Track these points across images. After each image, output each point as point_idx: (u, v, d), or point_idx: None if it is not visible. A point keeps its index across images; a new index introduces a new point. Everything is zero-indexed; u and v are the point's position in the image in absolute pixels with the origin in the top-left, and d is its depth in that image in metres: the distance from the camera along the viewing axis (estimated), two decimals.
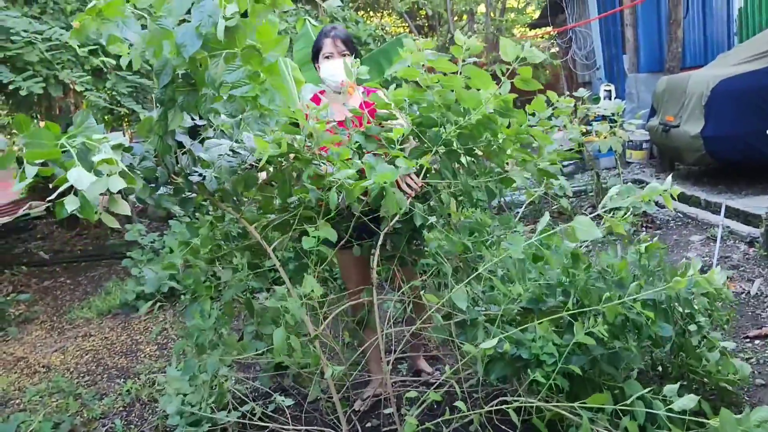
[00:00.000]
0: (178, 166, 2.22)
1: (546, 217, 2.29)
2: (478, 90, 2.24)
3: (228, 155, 2.27)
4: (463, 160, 2.51)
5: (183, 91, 1.96)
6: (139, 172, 2.09)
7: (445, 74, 2.25)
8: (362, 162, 2.27)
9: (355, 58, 2.84)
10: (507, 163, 2.63)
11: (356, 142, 2.43)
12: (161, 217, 8.86)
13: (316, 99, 2.84)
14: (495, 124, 2.32)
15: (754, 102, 5.98)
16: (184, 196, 2.25)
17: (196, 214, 2.63)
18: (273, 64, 1.86)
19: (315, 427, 2.57)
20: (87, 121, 1.75)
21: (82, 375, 4.04)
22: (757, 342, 3.29)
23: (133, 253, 5.84)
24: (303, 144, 2.23)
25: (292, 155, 2.25)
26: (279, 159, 2.26)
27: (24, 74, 5.21)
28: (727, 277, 4.22)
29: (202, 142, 2.35)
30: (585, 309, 2.25)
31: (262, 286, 2.58)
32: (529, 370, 2.21)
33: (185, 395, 2.73)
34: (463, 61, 2.19)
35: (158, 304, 5.11)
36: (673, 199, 2.37)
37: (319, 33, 2.90)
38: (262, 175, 2.39)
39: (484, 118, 2.27)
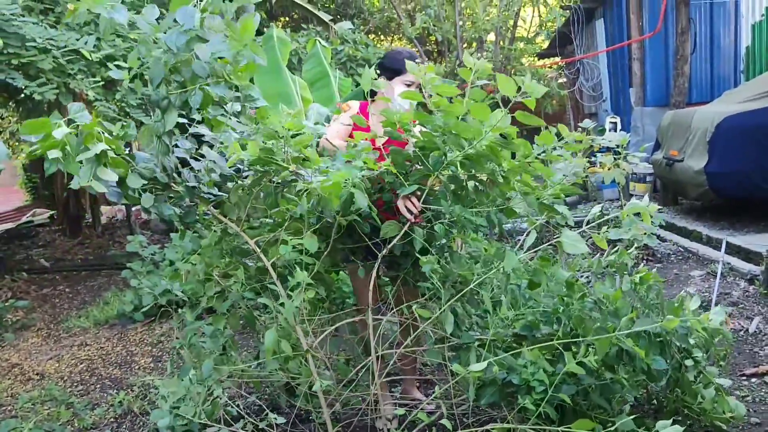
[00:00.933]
0: (177, 171, 2.25)
1: (533, 234, 2.30)
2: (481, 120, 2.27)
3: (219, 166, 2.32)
4: (468, 185, 2.53)
5: (174, 92, 2.06)
6: (139, 171, 2.13)
7: (450, 100, 2.27)
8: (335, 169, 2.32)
9: None
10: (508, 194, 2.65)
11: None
12: (163, 230, 8.90)
13: (364, 109, 3.00)
14: (496, 155, 2.34)
15: (759, 140, 6.00)
16: (185, 205, 2.28)
17: (198, 226, 2.66)
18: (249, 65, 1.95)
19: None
20: (80, 113, 1.88)
21: (75, 384, 4.03)
22: (753, 380, 3.27)
23: (133, 264, 5.85)
24: (282, 153, 2.27)
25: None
26: (263, 168, 2.31)
27: (37, 81, 5.27)
28: (727, 314, 4.21)
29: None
30: (577, 339, 2.25)
31: (267, 302, 2.59)
32: (519, 397, 2.20)
33: (177, 407, 2.72)
34: (472, 84, 2.21)
35: (155, 316, 5.12)
36: (668, 230, 2.39)
37: (403, 55, 2.88)
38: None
39: (486, 148, 2.29)
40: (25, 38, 5.16)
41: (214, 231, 2.51)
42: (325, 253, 2.45)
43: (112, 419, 3.44)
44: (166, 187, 2.22)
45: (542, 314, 2.51)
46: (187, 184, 2.25)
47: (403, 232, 2.44)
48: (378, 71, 2.94)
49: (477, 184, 2.53)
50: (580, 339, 2.23)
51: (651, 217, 2.44)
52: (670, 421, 2.00)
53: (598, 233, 2.50)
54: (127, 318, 5.27)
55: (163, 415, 2.76)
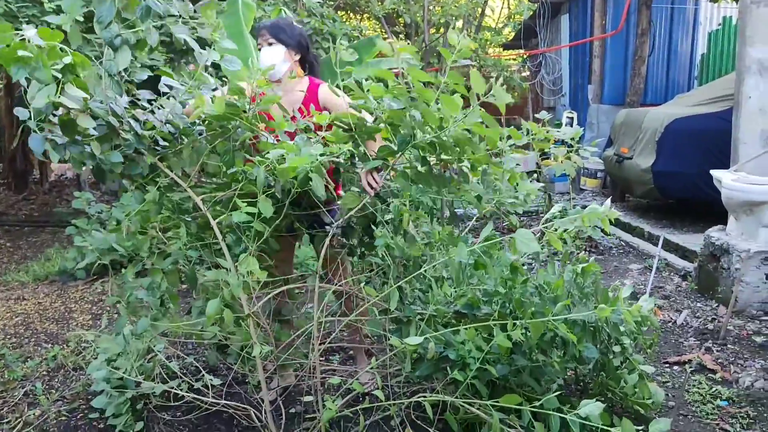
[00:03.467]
0: (127, 118, 2.20)
1: (490, 225, 2.35)
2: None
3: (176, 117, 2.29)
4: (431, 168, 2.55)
5: (127, 30, 2.02)
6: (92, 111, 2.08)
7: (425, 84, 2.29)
8: (293, 143, 2.32)
9: (293, 45, 2.87)
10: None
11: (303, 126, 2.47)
12: (114, 190, 8.70)
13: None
14: (461, 146, 2.38)
15: (704, 143, 6.22)
16: (130, 154, 2.23)
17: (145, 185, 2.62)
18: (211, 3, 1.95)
19: (238, 404, 2.57)
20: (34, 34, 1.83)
21: (8, 337, 3.94)
22: (675, 368, 3.44)
23: (78, 221, 5.71)
24: (246, 108, 2.26)
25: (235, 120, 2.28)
26: (223, 124, 2.30)
27: None
28: (657, 306, 4.39)
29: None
30: (513, 320, 2.32)
31: (206, 259, 2.57)
32: (452, 371, 2.26)
33: (114, 361, 2.71)
34: (452, 64, 2.21)
35: (98, 275, 5.03)
36: (612, 224, 2.47)
37: (258, 24, 2.93)
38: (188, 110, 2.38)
39: (452, 138, 2.32)
40: None
41: (158, 186, 2.47)
42: (278, 220, 2.45)
43: (44, 372, 3.39)
44: (114, 132, 2.16)
45: (484, 294, 2.58)
46: (136, 131, 2.20)
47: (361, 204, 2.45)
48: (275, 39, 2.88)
49: (440, 168, 2.56)
50: (516, 321, 2.30)
51: (611, 223, 2.49)
52: (594, 400, 2.09)
53: (548, 227, 2.56)
54: (68, 275, 5.17)
55: (100, 367, 2.75)
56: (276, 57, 2.77)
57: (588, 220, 2.45)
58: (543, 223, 2.49)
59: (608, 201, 2.53)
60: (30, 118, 1.98)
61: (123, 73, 2.23)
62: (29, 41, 1.81)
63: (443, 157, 2.48)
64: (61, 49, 1.90)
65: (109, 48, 2.14)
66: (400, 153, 2.42)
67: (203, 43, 2.45)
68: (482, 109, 2.23)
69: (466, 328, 2.30)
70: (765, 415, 2.93)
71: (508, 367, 2.38)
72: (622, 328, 2.65)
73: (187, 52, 2.48)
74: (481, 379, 2.32)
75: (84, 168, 2.22)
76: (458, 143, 2.34)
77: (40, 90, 1.87)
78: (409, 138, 2.36)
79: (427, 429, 2.45)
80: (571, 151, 6.44)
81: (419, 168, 2.48)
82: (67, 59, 1.90)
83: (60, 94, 1.91)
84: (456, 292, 2.57)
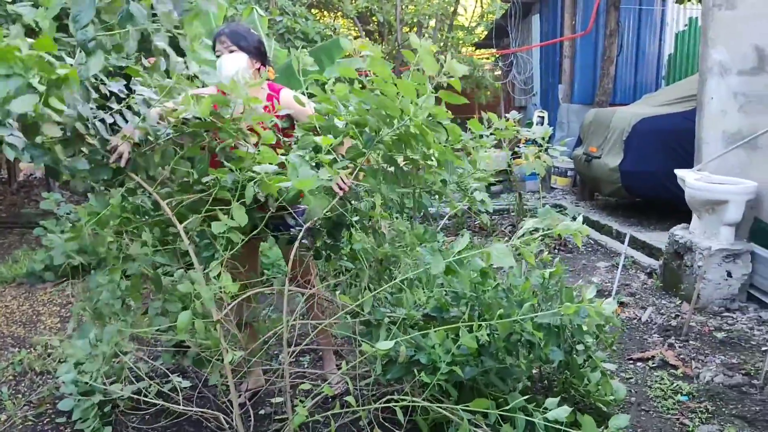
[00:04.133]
0: (94, 123, 2.18)
1: (466, 237, 2.38)
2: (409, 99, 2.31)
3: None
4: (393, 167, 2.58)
5: (104, 33, 1.98)
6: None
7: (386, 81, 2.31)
8: (286, 160, 2.32)
9: (254, 53, 2.86)
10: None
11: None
12: (83, 191, 8.59)
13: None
14: (425, 136, 2.39)
15: (670, 143, 6.35)
16: (97, 160, 2.21)
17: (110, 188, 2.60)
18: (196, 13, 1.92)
19: (207, 410, 2.58)
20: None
21: None
22: (639, 364, 3.52)
23: (46, 222, 5.64)
24: (229, 116, 2.26)
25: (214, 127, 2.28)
26: (200, 131, 2.29)
27: None
28: (621, 303, 4.48)
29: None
30: (480, 322, 2.36)
31: (170, 263, 2.57)
32: (422, 374, 2.29)
33: (81, 364, 2.69)
34: (415, 66, 2.23)
35: (67, 277, 4.98)
36: (585, 222, 2.52)
37: (217, 31, 2.88)
38: (155, 112, 2.37)
39: (415, 127, 2.35)
40: None
41: (124, 189, 2.46)
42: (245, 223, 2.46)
43: (10, 377, 3.36)
44: (80, 138, 2.14)
45: (453, 297, 2.62)
46: (102, 136, 2.18)
47: (330, 206, 2.47)
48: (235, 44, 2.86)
49: (407, 165, 2.59)
50: (484, 322, 2.34)
51: (586, 236, 2.52)
52: (558, 399, 2.15)
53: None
54: (36, 277, 5.09)
55: (69, 371, 2.73)
56: (239, 64, 2.76)
57: (561, 233, 2.50)
58: (518, 237, 2.53)
59: (581, 217, 2.58)
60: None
61: (93, 79, 2.20)
62: (20, 50, 1.76)
63: (410, 154, 2.51)
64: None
65: (82, 50, 2.09)
66: (368, 152, 2.44)
67: (179, 49, 2.43)
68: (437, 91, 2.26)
69: (435, 331, 2.34)
70: (723, 409, 3.02)
71: (477, 369, 2.42)
72: (585, 328, 2.71)
73: (161, 54, 2.46)
74: (450, 381, 2.36)
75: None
76: (422, 133, 2.36)
77: (21, 95, 1.80)
78: (374, 135, 2.38)
79: (396, 431, 2.49)
80: (541, 150, 6.56)
81: (387, 167, 2.51)
82: (62, 71, 1.84)
83: (45, 104, 1.86)
84: (426, 295, 2.60)
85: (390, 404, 2.31)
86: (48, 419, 2.92)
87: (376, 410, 2.54)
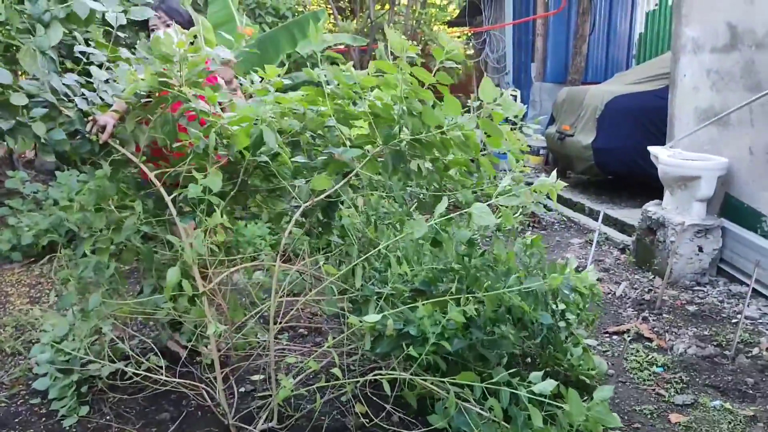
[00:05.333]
0: (66, 93, 2.14)
1: (444, 202, 2.37)
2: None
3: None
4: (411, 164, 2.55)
5: (55, 6, 1.96)
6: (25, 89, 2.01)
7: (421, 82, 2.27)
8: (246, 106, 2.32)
9: (187, 26, 2.90)
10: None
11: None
12: (49, 169, 8.38)
13: None
14: (447, 147, 2.37)
15: (642, 120, 6.42)
16: (79, 137, 2.18)
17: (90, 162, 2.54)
18: None
19: (188, 381, 2.54)
20: None
21: None
22: (615, 337, 3.58)
23: (12, 202, 5.50)
24: (178, 77, 2.21)
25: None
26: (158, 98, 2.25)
27: None
28: (597, 279, 4.54)
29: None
30: (468, 294, 2.36)
31: (159, 233, 2.52)
32: (411, 347, 2.29)
33: (58, 342, 2.63)
34: (440, 66, 2.20)
35: (35, 257, 4.87)
36: (555, 200, 2.54)
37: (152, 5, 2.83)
38: (121, 105, 2.35)
39: (440, 140, 2.32)
40: None
41: (111, 162, 2.41)
42: (232, 194, 2.42)
43: None
44: (55, 109, 2.10)
45: (440, 271, 2.61)
46: (78, 108, 2.15)
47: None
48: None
49: (419, 165, 2.56)
50: (471, 295, 2.34)
51: (559, 214, 2.54)
52: (542, 372, 2.17)
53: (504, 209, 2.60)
54: (3, 258, 4.97)
55: (44, 350, 2.67)
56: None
57: (538, 191, 2.51)
58: (496, 197, 2.52)
59: (554, 172, 2.59)
60: None
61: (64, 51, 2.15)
62: None
63: (419, 155, 2.48)
64: None
65: (40, 24, 2.07)
66: (382, 146, 2.39)
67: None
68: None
69: (423, 304, 2.33)
70: (697, 379, 3.09)
71: (465, 341, 2.43)
72: (571, 296, 2.74)
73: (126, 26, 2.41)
74: (438, 353, 2.36)
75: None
76: (445, 144, 2.34)
77: None
78: (396, 134, 2.34)
79: (384, 405, 2.49)
80: (514, 129, 6.56)
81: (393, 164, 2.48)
82: None
83: None
84: (413, 270, 2.59)
85: (377, 377, 2.30)
86: (21, 400, 2.86)
87: (362, 386, 2.53)
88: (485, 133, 2.35)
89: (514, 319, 2.57)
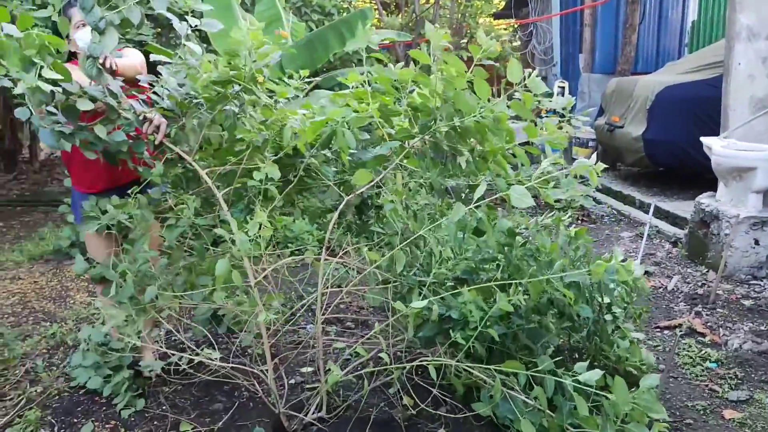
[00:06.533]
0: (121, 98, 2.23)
1: (483, 186, 2.37)
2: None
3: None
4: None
5: (109, 12, 2.03)
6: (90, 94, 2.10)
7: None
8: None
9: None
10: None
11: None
12: None
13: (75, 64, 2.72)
14: (482, 134, 2.39)
15: (693, 110, 6.25)
16: (135, 134, 2.27)
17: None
18: None
19: (244, 368, 2.61)
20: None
21: (6, 316, 3.97)
22: (666, 332, 3.51)
23: (70, 200, 5.71)
24: (247, 71, 2.27)
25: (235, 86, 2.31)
26: (220, 93, 2.31)
27: None
28: (647, 272, 4.45)
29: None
30: (512, 281, 2.36)
31: (211, 226, 2.59)
32: (453, 333, 2.31)
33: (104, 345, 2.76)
34: (479, 61, 2.23)
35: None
36: (604, 192, 2.51)
37: (65, 4, 2.68)
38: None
39: (475, 125, 2.33)
40: None
41: (165, 161, 2.50)
42: (290, 187, 2.49)
43: (44, 350, 3.43)
44: (114, 112, 2.19)
45: (482, 261, 2.62)
46: (135, 110, 2.24)
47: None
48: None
49: (455, 155, 2.58)
50: (515, 281, 2.35)
51: (598, 175, 2.52)
52: (587, 363, 2.16)
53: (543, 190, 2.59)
54: (63, 254, 5.18)
55: (86, 357, 2.84)
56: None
57: (577, 172, 2.48)
58: (535, 179, 2.51)
59: (594, 155, 2.56)
60: (30, 117, 2.00)
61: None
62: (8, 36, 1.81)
63: (458, 145, 2.49)
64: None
65: (95, 31, 2.14)
66: (420, 136, 2.43)
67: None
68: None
69: (469, 289, 2.35)
70: (752, 375, 3.01)
71: (506, 329, 2.43)
72: (615, 290, 2.70)
73: (166, 22, 2.49)
74: (481, 341, 2.38)
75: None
76: (480, 130, 2.36)
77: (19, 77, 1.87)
78: (432, 123, 2.37)
79: (430, 389, 2.51)
80: (563, 121, 6.47)
81: (432, 155, 2.51)
82: (42, 41, 1.89)
83: (39, 77, 1.91)
84: (455, 259, 2.60)
85: (423, 362, 2.33)
86: (84, 390, 2.98)
87: (409, 374, 2.56)
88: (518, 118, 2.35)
89: (558, 312, 2.55)
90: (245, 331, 2.63)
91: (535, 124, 5.98)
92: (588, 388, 2.08)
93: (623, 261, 2.75)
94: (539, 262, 2.60)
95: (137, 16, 2.16)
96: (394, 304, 2.28)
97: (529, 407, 2.20)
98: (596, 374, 2.10)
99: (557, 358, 2.28)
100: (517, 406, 2.19)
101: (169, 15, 2.29)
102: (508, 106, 2.32)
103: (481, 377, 2.29)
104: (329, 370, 2.32)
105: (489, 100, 2.28)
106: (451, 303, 2.37)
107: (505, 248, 2.59)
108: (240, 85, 2.33)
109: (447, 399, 2.63)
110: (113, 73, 2.30)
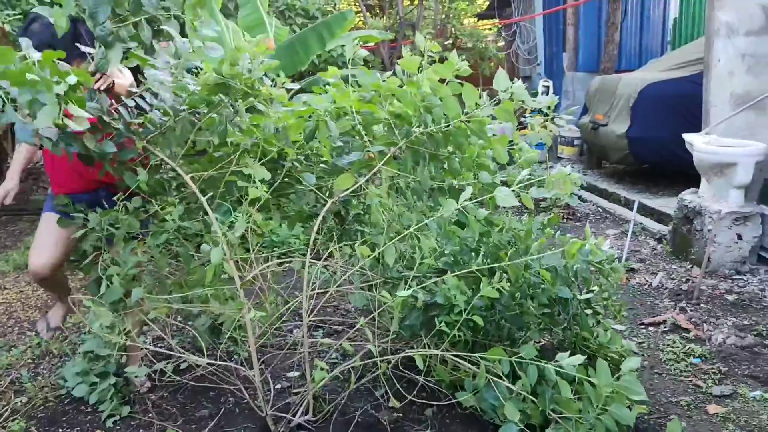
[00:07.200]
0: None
1: (469, 190, 2.40)
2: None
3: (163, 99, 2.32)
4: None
5: (120, 26, 2.02)
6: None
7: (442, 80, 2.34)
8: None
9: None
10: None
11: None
12: None
13: None
14: (464, 137, 2.44)
15: (677, 107, 6.29)
16: (122, 142, 2.27)
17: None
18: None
19: (228, 363, 2.61)
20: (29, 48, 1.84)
21: None
22: (651, 328, 3.54)
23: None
24: (243, 76, 2.28)
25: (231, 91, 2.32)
26: (214, 98, 2.32)
27: None
28: (632, 269, 4.48)
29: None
30: (493, 265, 2.40)
31: (198, 232, 2.59)
32: (438, 319, 2.36)
33: (91, 353, 2.75)
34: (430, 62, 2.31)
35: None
36: (589, 191, 2.55)
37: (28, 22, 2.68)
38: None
39: (458, 129, 2.38)
40: None
41: (149, 168, 2.50)
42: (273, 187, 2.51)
43: (29, 360, 3.40)
44: (107, 126, 2.20)
45: (462, 251, 2.64)
46: (124, 120, 2.25)
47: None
48: None
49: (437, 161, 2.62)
50: (496, 265, 2.39)
51: (573, 185, 2.56)
52: (568, 352, 2.20)
53: (526, 192, 2.62)
54: None
55: (75, 365, 2.82)
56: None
57: (553, 182, 2.52)
58: (516, 185, 2.54)
59: (569, 166, 2.60)
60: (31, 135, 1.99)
61: None
62: (35, 64, 1.80)
63: (435, 151, 2.52)
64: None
65: (101, 45, 2.14)
66: (402, 142, 2.45)
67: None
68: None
69: (452, 276, 2.39)
70: (736, 370, 3.04)
71: (489, 317, 2.48)
72: (587, 269, 2.72)
73: (161, 32, 2.48)
74: (465, 328, 2.40)
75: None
76: (462, 133, 2.40)
77: (42, 110, 1.84)
78: (412, 132, 2.40)
79: (416, 381, 2.52)
80: (547, 120, 6.51)
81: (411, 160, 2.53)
82: (71, 80, 1.87)
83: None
84: (438, 252, 2.63)
85: (409, 353, 2.35)
86: (69, 399, 2.96)
87: (395, 371, 2.56)
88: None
89: (536, 296, 2.60)
90: (228, 331, 2.63)
91: (522, 125, 6.05)
92: (570, 373, 2.12)
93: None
94: (517, 246, 2.64)
95: (148, 35, 2.17)
96: (379, 296, 2.32)
97: (513, 393, 2.23)
98: (578, 359, 2.15)
99: (541, 344, 2.32)
100: (501, 392, 2.24)
101: (177, 37, 2.28)
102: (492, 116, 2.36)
103: (466, 366, 2.32)
104: (318, 368, 2.34)
105: (477, 105, 2.32)
106: (435, 290, 2.41)
107: (483, 238, 2.63)
108: (243, 90, 2.33)
109: (433, 403, 2.64)
110: (109, 90, 2.32)
